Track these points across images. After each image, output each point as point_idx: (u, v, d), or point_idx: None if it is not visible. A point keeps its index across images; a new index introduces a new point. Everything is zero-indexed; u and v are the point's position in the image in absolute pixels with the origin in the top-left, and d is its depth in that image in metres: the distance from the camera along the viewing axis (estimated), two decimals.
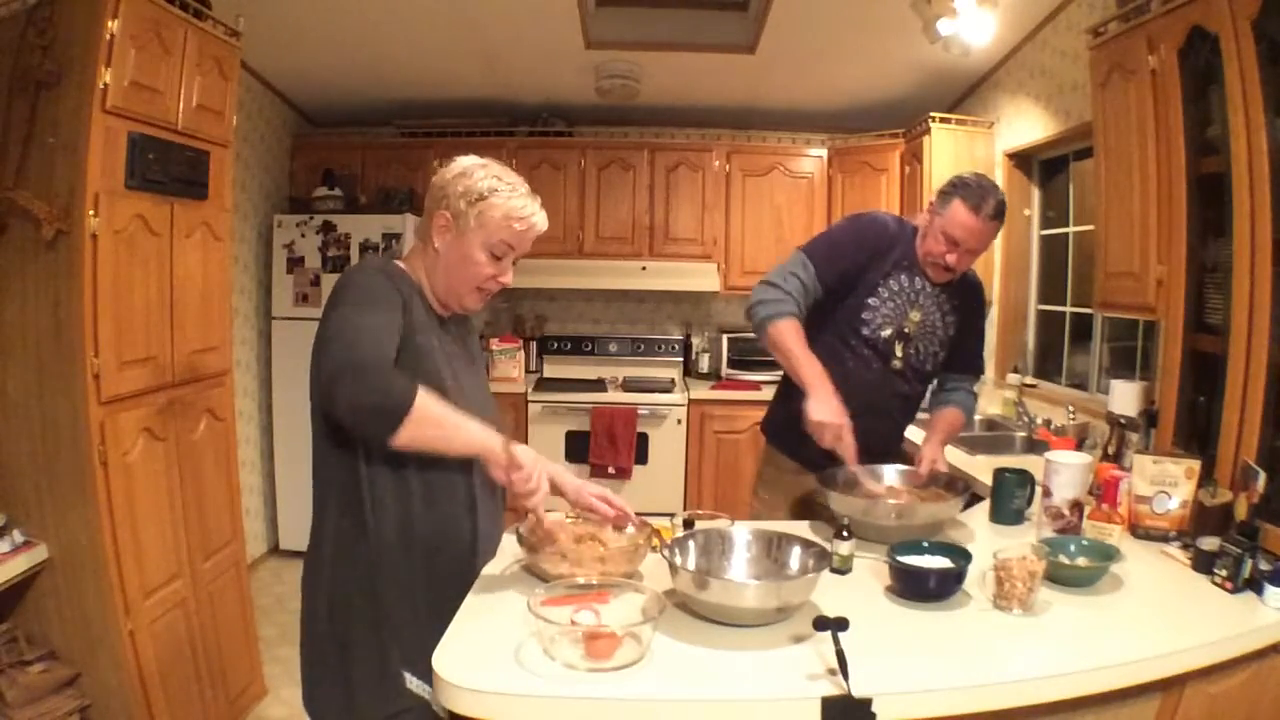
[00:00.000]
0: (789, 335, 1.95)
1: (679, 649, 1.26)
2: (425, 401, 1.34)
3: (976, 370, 2.27)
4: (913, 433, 2.35)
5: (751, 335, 4.85)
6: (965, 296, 2.15)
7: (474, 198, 1.49)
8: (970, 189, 1.96)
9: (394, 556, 1.45)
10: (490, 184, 1.50)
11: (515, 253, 1.54)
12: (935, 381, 2.25)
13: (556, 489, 1.57)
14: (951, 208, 1.96)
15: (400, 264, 1.56)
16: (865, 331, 2.06)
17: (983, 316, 2.24)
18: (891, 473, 1.97)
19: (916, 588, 1.46)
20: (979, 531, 1.86)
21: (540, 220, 1.55)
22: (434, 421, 1.35)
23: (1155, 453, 1.91)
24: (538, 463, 1.43)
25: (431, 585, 1.47)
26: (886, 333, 2.06)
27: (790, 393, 2.06)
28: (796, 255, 2.06)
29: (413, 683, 1.42)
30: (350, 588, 1.46)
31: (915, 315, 2.07)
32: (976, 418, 3.76)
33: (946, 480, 1.90)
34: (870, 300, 2.05)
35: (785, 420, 2.11)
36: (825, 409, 1.84)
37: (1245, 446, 1.82)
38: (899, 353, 2.07)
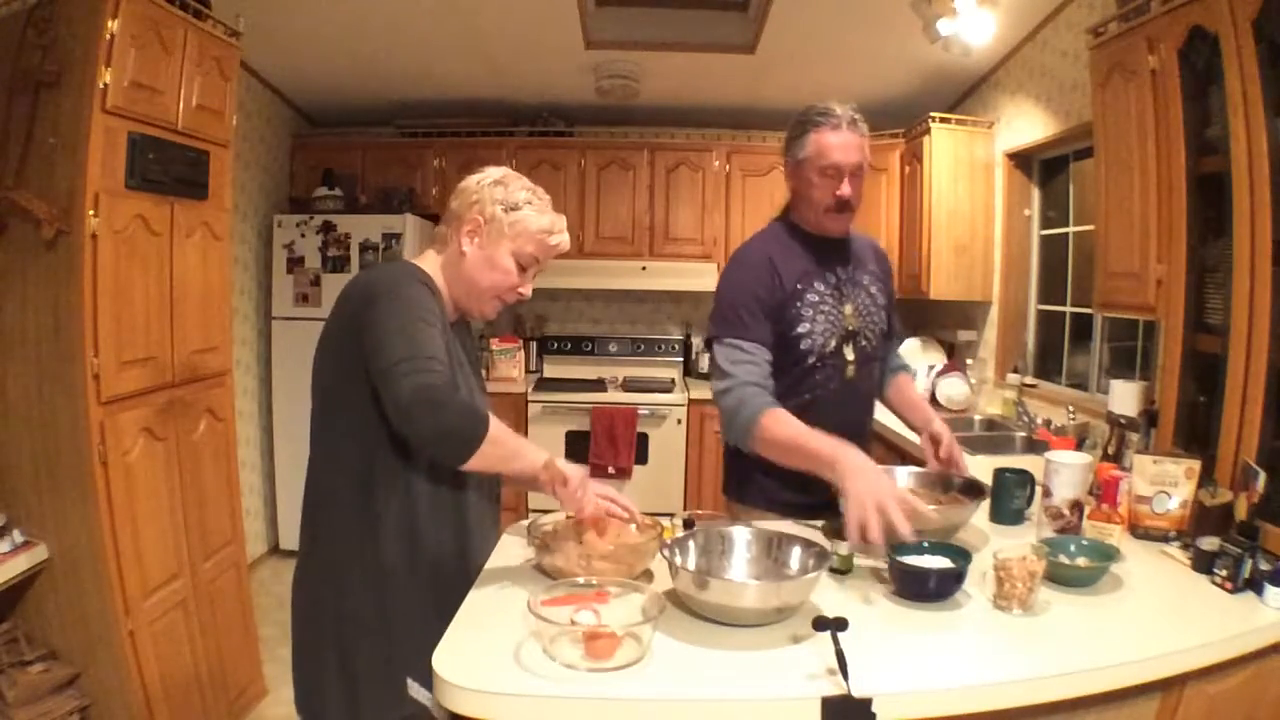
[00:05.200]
0: (776, 429, 1.68)
1: (679, 649, 1.26)
2: (496, 426, 1.38)
3: (899, 332, 2.16)
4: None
5: None
6: (876, 260, 2.03)
7: (510, 205, 1.51)
8: (818, 115, 1.81)
9: (401, 566, 1.45)
10: (525, 196, 1.54)
11: (539, 267, 1.58)
12: None
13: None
14: (810, 142, 1.80)
15: (422, 267, 1.54)
16: (811, 359, 1.86)
17: (891, 277, 2.08)
18: (904, 475, 1.89)
19: (916, 588, 1.46)
20: (979, 532, 1.86)
21: (565, 240, 1.59)
22: (502, 445, 1.39)
23: (1155, 453, 1.91)
24: (583, 479, 1.47)
25: (437, 593, 1.46)
26: (832, 344, 1.88)
27: (737, 450, 1.85)
28: (719, 348, 1.81)
29: (415, 689, 1.42)
30: (356, 598, 1.45)
31: (849, 309, 1.90)
32: (976, 417, 3.77)
33: (963, 484, 1.83)
34: (800, 327, 1.84)
35: (740, 474, 1.94)
36: (863, 482, 1.49)
37: (1245, 446, 1.82)
38: (851, 355, 1.90)
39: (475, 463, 1.37)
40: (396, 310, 1.39)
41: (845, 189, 1.81)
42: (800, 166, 1.84)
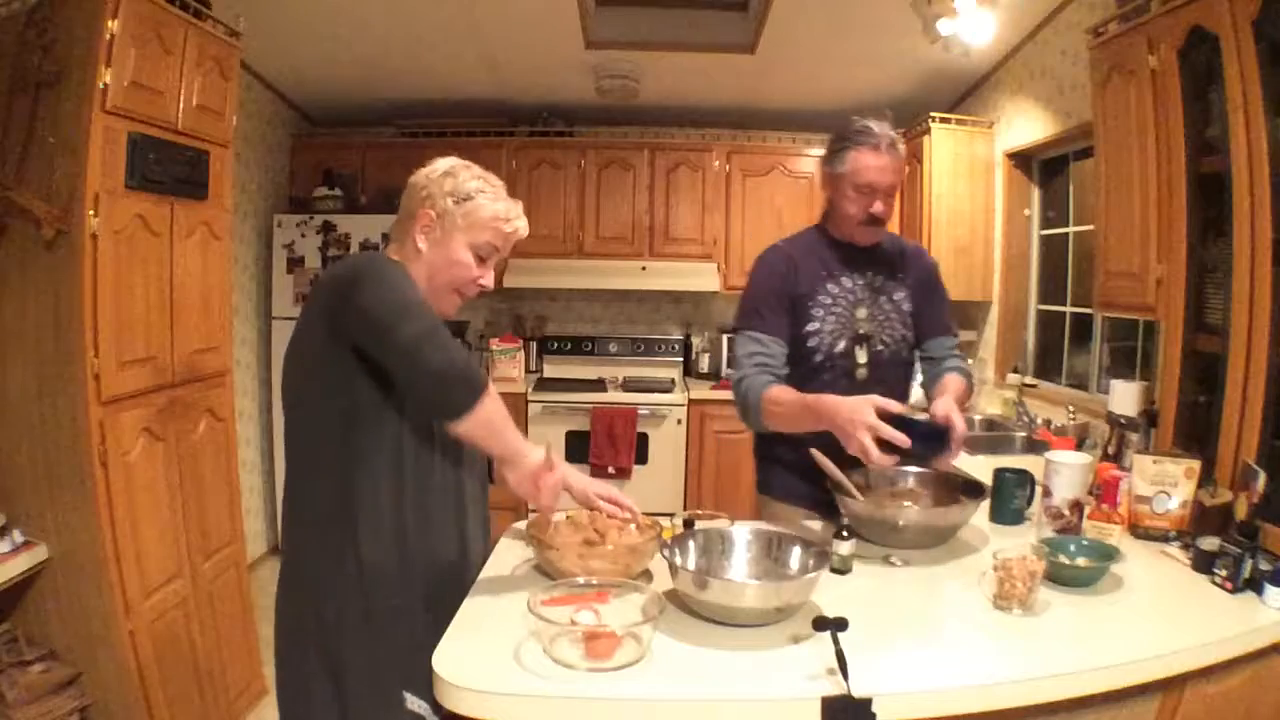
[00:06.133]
0: (779, 400, 1.80)
1: (679, 649, 1.26)
2: (491, 386, 1.37)
3: (950, 330, 2.14)
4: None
5: None
6: (910, 269, 2.04)
7: (461, 197, 1.48)
8: (859, 134, 1.87)
9: (390, 575, 1.41)
10: (477, 185, 1.50)
11: (499, 255, 1.54)
12: (918, 357, 2.12)
13: (565, 487, 1.56)
14: (849, 159, 1.87)
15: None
16: (818, 358, 1.93)
17: (939, 280, 2.12)
18: (908, 475, 1.91)
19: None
20: (979, 531, 1.86)
21: (523, 225, 1.55)
22: (499, 407, 1.38)
23: (1155, 453, 1.91)
24: (562, 479, 1.47)
25: (428, 602, 1.44)
26: (841, 345, 1.94)
27: (769, 447, 2.01)
28: (738, 339, 1.96)
29: (413, 703, 1.39)
30: (343, 609, 1.41)
31: (862, 312, 1.96)
32: (976, 418, 3.76)
33: (963, 484, 1.85)
34: (809, 325, 1.93)
35: (771, 470, 2.04)
36: (843, 415, 1.62)
37: (1245, 446, 1.82)
38: (862, 359, 1.95)
39: (475, 420, 1.34)
40: (384, 284, 1.37)
41: (878, 206, 1.89)
42: (837, 180, 1.92)
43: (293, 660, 1.47)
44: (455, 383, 1.33)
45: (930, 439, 1.66)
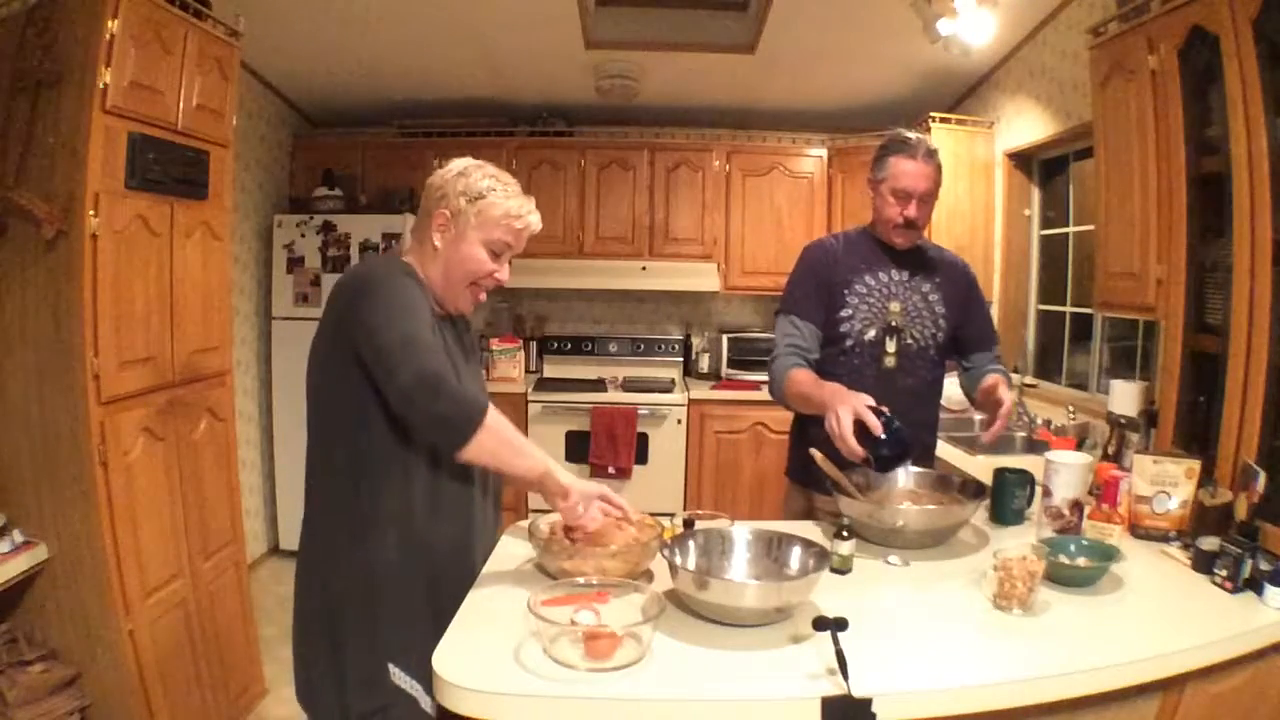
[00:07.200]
0: (799, 381, 1.96)
1: (679, 649, 1.26)
2: (495, 417, 1.40)
3: (993, 341, 2.24)
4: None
5: (751, 334, 4.82)
6: (946, 275, 2.13)
7: (474, 196, 1.52)
8: (899, 143, 2.03)
9: (394, 557, 1.46)
10: (489, 184, 1.54)
11: (512, 251, 1.59)
12: (962, 368, 2.23)
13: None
14: (889, 165, 2.02)
15: (409, 261, 1.57)
16: (848, 342, 2.06)
17: (977, 291, 2.21)
18: (904, 475, 1.93)
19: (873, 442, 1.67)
20: (979, 531, 1.86)
21: (536, 221, 1.59)
22: (501, 438, 1.42)
23: (1155, 453, 1.91)
24: (583, 494, 1.49)
25: (430, 584, 1.48)
26: (871, 334, 2.06)
27: (805, 429, 2.08)
28: (779, 320, 2.14)
29: (398, 676, 1.44)
30: (348, 586, 1.47)
31: (895, 306, 2.07)
32: (978, 418, 3.76)
33: (961, 484, 1.88)
34: (843, 312, 2.07)
35: (803, 456, 2.06)
36: (835, 400, 1.75)
37: (1245, 446, 1.82)
38: (891, 349, 2.06)
39: (473, 451, 1.39)
40: (387, 299, 1.42)
41: (911, 210, 2.01)
42: (878, 184, 2.07)
43: (302, 641, 1.53)
44: (446, 426, 1.38)
45: (894, 445, 1.69)
